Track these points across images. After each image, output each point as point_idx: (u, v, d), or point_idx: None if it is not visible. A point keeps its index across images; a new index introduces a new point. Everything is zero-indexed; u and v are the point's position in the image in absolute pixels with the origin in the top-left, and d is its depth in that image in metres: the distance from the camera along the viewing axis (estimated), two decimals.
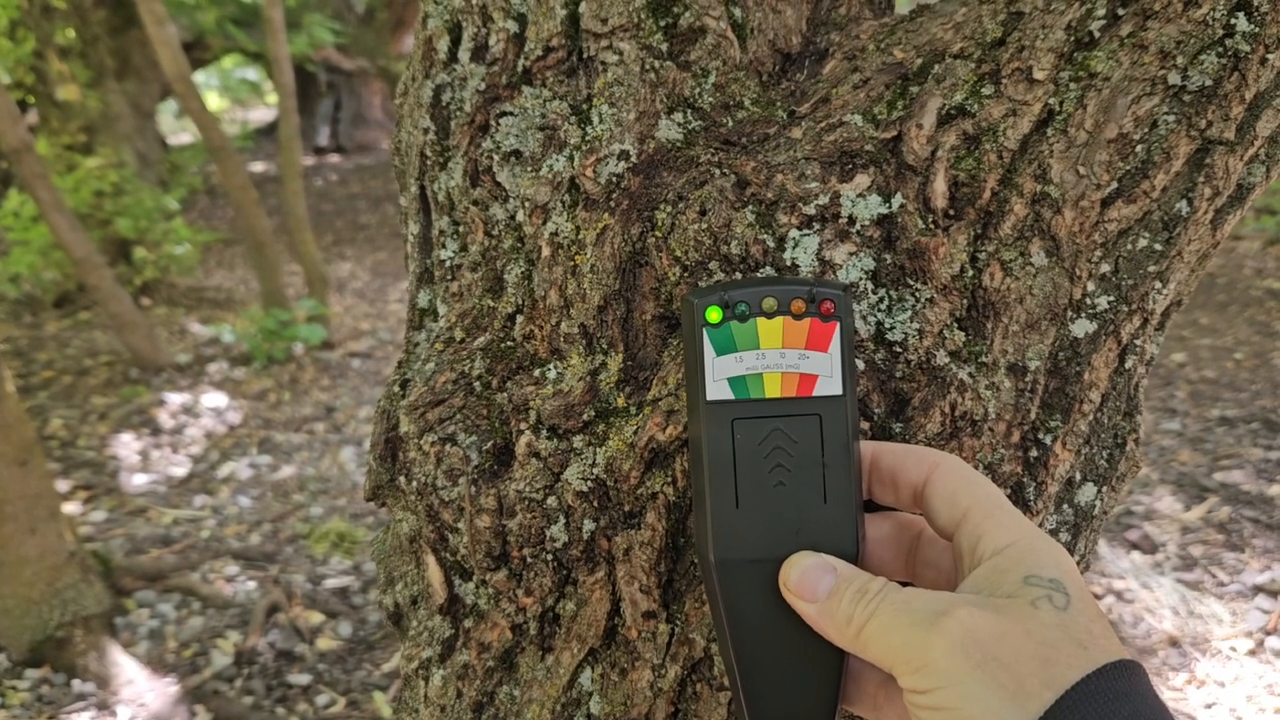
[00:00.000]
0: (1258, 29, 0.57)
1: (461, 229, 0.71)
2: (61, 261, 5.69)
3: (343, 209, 10.11)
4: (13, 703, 2.52)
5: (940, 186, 0.61)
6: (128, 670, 2.61)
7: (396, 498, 0.72)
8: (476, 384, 0.67)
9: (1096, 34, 0.59)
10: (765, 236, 0.60)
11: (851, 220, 0.60)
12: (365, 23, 11.44)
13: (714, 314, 0.53)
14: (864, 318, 0.60)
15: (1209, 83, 0.58)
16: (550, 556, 0.64)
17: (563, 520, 0.63)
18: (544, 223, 0.64)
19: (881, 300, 0.61)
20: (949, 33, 0.63)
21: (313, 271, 5.58)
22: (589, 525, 0.62)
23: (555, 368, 0.65)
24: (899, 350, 0.60)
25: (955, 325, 0.61)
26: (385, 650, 2.81)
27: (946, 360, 0.61)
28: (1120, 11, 0.59)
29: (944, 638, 0.44)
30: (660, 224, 0.62)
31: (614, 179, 0.62)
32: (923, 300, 0.60)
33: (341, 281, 7.31)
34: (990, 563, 0.48)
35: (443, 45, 0.71)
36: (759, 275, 0.60)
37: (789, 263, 0.60)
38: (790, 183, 0.61)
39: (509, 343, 0.68)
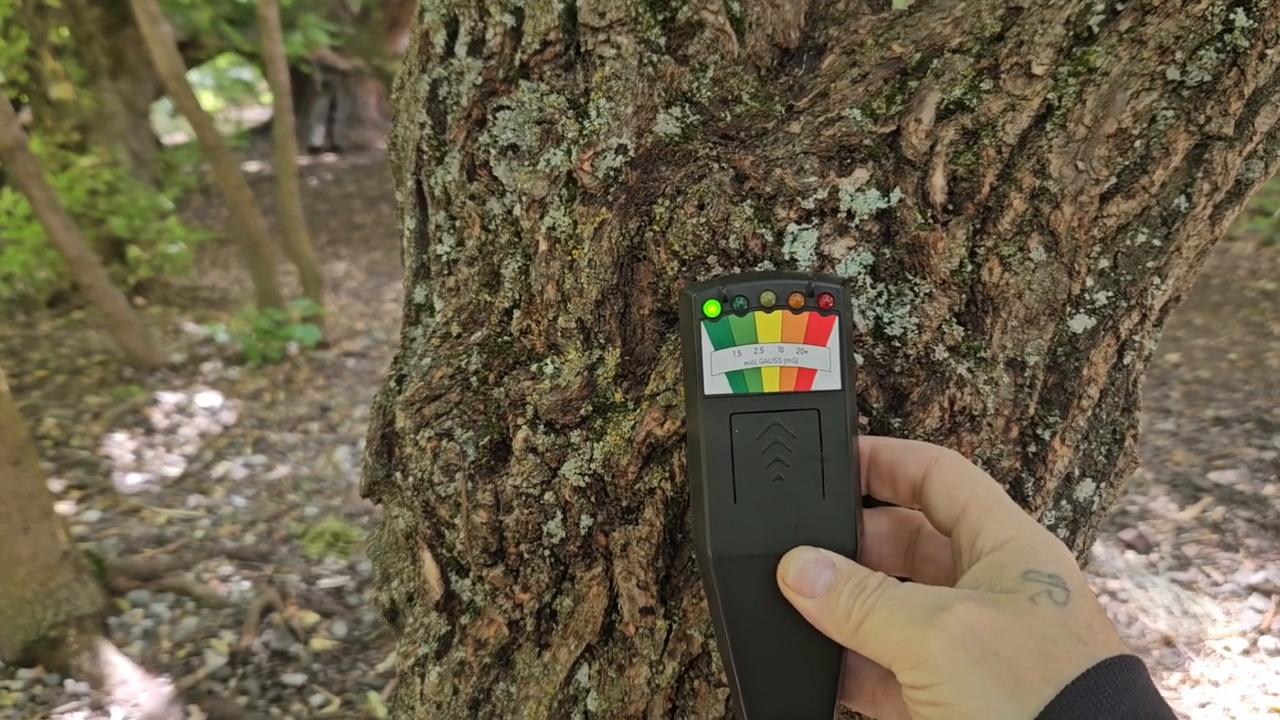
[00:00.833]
0: (1256, 24, 0.57)
1: (458, 224, 0.70)
2: (55, 260, 5.68)
3: (338, 209, 10.09)
4: (6, 703, 2.51)
5: (939, 181, 0.60)
6: (122, 670, 2.60)
7: (393, 494, 0.72)
8: (473, 379, 0.67)
9: (1095, 29, 0.59)
10: (764, 231, 0.60)
11: (850, 215, 0.60)
12: (360, 22, 11.43)
13: (712, 308, 0.52)
14: (863, 312, 0.60)
15: (1208, 78, 0.58)
16: (547, 552, 0.64)
17: (560, 516, 0.63)
18: (541, 217, 0.64)
19: (880, 295, 0.60)
20: (947, 28, 0.63)
21: (307, 271, 5.57)
22: (586, 521, 0.62)
23: (552, 363, 0.65)
24: (898, 345, 0.60)
25: (954, 320, 0.61)
26: (380, 650, 2.80)
27: (945, 355, 0.61)
28: (1119, 6, 0.59)
29: (943, 633, 0.44)
30: (658, 218, 0.61)
31: (611, 173, 0.62)
32: (921, 295, 0.60)
33: (336, 281, 7.30)
34: (989, 558, 0.48)
35: (439, 39, 0.71)
36: (757, 270, 0.60)
37: (787, 257, 0.60)
38: (789, 177, 0.60)
39: (506, 338, 0.67)
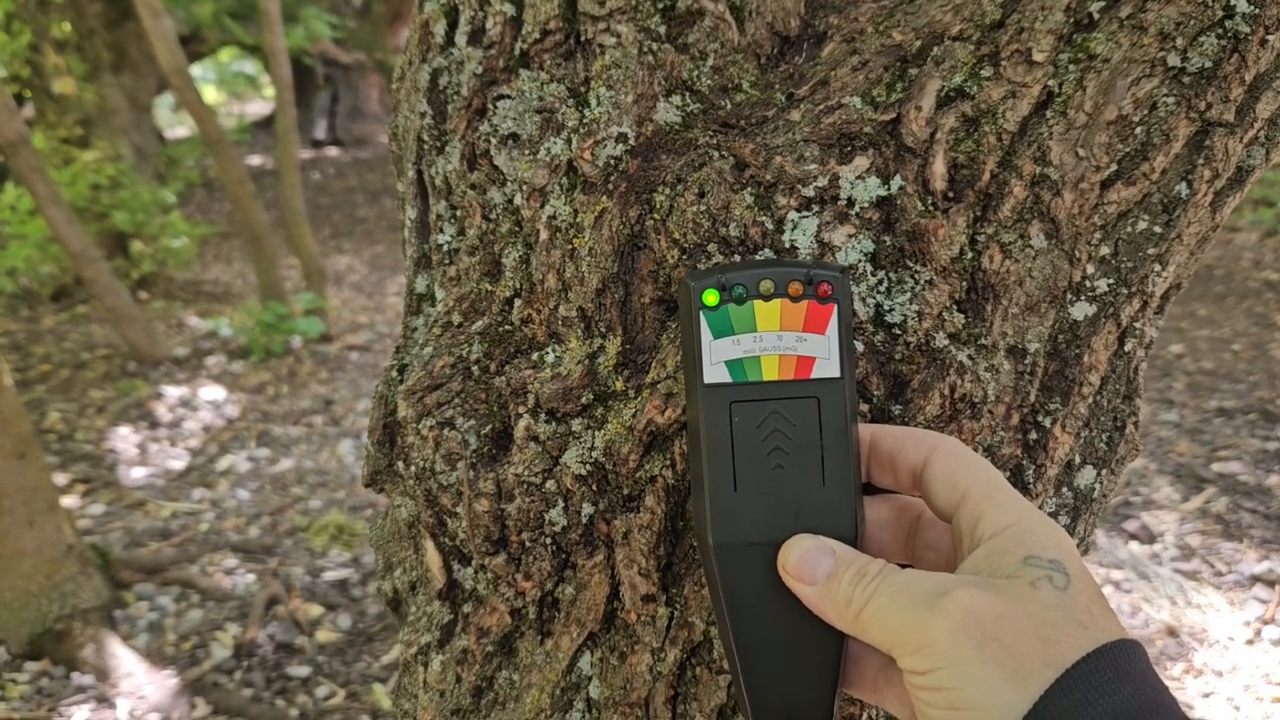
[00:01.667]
0: (1258, 10, 0.57)
1: (459, 213, 0.70)
2: (58, 255, 5.68)
3: (340, 202, 10.09)
4: (12, 695, 2.52)
5: (939, 169, 0.60)
6: (127, 663, 2.61)
7: (395, 483, 0.72)
8: (474, 368, 0.67)
9: (1096, 16, 0.59)
10: (764, 219, 0.60)
11: (850, 202, 0.60)
12: (362, 16, 11.42)
13: (711, 297, 0.52)
14: (863, 300, 0.60)
15: (1209, 64, 0.58)
16: (549, 540, 0.64)
17: (561, 504, 0.63)
18: (542, 206, 0.64)
19: (880, 282, 0.60)
20: (948, 15, 0.63)
21: (310, 265, 5.58)
22: (588, 509, 0.62)
23: (553, 351, 0.65)
24: (898, 332, 0.60)
25: (954, 307, 0.61)
26: (385, 642, 2.81)
27: (946, 343, 0.61)
28: None
29: (944, 619, 0.44)
30: (658, 206, 0.61)
31: (612, 162, 0.62)
32: (922, 282, 0.60)
33: (339, 275, 7.30)
34: (990, 544, 0.48)
35: (439, 29, 0.71)
36: (757, 257, 0.60)
37: (788, 245, 0.60)
38: (789, 165, 0.60)
39: (507, 327, 0.68)
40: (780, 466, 0.52)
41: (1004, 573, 0.46)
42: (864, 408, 0.60)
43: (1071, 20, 0.59)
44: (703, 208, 0.60)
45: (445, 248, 0.72)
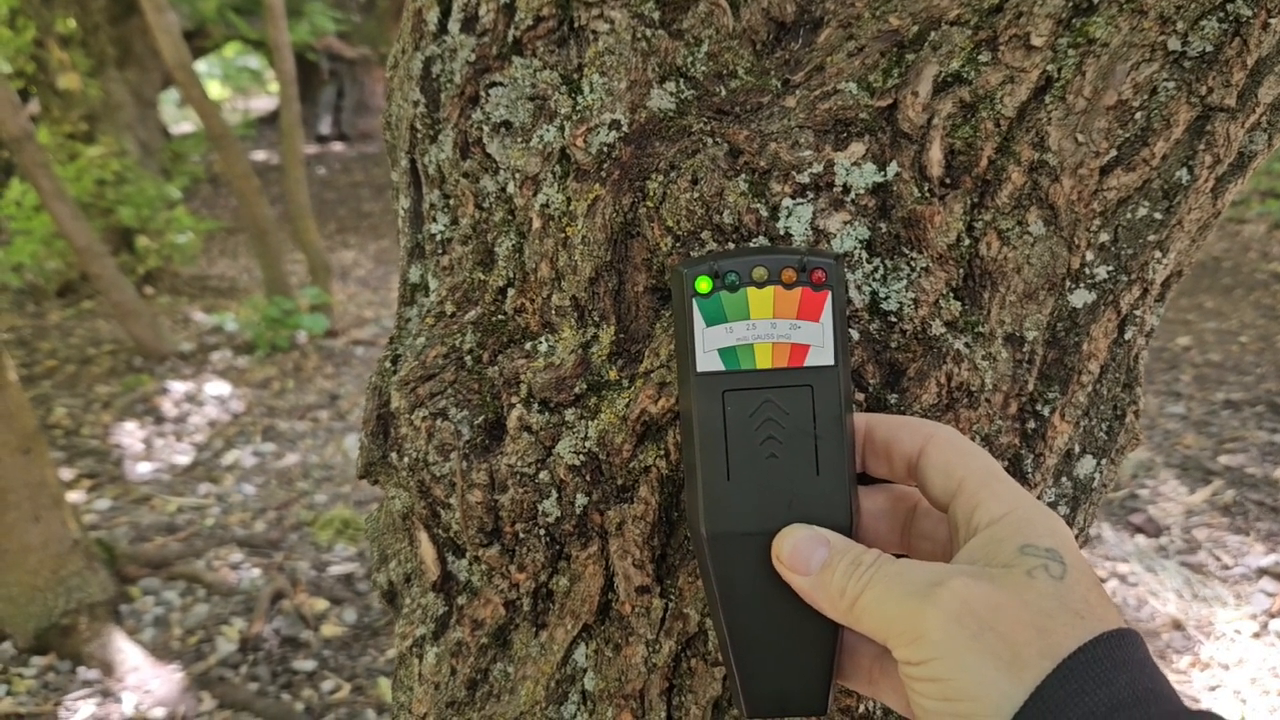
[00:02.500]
0: None
1: (452, 202, 0.70)
2: (64, 251, 5.69)
3: (345, 197, 10.10)
4: (19, 690, 2.52)
5: (936, 155, 0.60)
6: (133, 657, 2.62)
7: (389, 474, 0.72)
8: (468, 358, 0.67)
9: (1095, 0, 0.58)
10: (758, 205, 0.59)
11: (846, 189, 0.59)
12: (367, 10, 11.41)
13: (704, 284, 0.52)
14: (859, 287, 0.60)
15: (1210, 48, 0.57)
16: (543, 531, 0.63)
17: (555, 495, 0.62)
18: (534, 194, 0.64)
19: (876, 270, 0.60)
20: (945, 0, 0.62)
21: (315, 260, 5.58)
22: (581, 500, 0.62)
23: (547, 341, 0.64)
24: (894, 320, 0.60)
25: (951, 295, 0.60)
26: (389, 636, 2.81)
27: (943, 330, 0.60)
28: None
29: (939, 608, 0.43)
30: (652, 194, 0.61)
31: (605, 149, 0.62)
32: (918, 270, 0.59)
33: (344, 270, 7.31)
34: (986, 533, 0.47)
35: (432, 17, 0.70)
36: (751, 245, 0.59)
37: (782, 232, 0.59)
38: (784, 151, 0.60)
39: (500, 316, 0.67)
40: (774, 456, 0.52)
41: (1000, 562, 0.45)
42: (859, 396, 0.60)
43: (1070, 4, 0.58)
44: (696, 195, 0.60)
45: (438, 237, 0.72)
